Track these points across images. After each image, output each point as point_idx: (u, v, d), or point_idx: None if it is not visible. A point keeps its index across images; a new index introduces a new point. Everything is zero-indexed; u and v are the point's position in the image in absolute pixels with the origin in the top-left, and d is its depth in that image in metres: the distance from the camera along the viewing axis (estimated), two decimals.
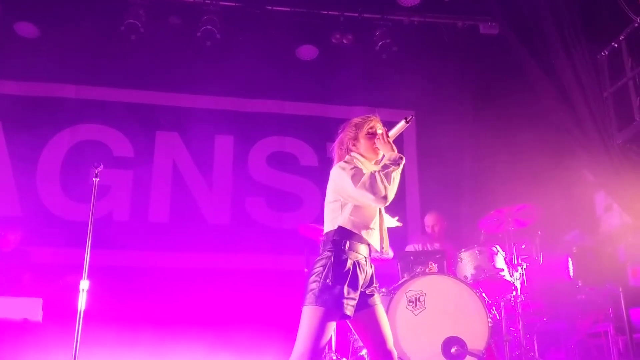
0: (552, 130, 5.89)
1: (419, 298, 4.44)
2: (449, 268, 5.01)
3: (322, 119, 7.04)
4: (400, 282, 4.63)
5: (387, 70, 6.93)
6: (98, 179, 4.09)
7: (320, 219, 6.38)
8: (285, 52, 6.97)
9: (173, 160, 6.73)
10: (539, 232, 5.11)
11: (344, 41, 6.79)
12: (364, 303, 2.85)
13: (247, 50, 6.77)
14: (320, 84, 7.05)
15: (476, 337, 4.34)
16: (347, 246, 2.84)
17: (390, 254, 3.00)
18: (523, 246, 4.98)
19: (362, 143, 3.06)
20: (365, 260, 2.89)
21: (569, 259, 5.51)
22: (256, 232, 6.60)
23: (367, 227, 2.89)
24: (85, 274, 3.88)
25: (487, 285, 4.85)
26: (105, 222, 6.16)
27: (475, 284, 4.73)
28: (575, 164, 5.65)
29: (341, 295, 2.73)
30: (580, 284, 5.34)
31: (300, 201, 6.81)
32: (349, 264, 2.80)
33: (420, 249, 5.66)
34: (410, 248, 5.76)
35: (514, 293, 4.76)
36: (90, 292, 3.89)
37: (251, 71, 6.78)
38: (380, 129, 3.08)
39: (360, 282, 2.82)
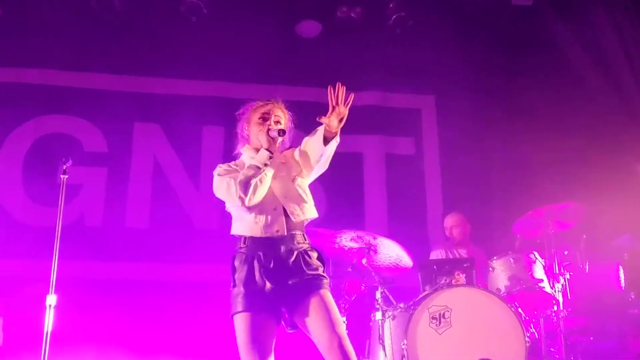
0: (597, 117, 5.80)
1: (443, 314, 4.41)
2: (479, 279, 4.99)
3: (326, 106, 6.91)
4: (421, 296, 4.61)
5: (402, 49, 6.87)
6: (66, 176, 4.05)
7: (326, 221, 6.31)
8: (283, 29, 6.90)
9: (154, 156, 6.70)
10: (584, 236, 5.09)
11: (352, 15, 6.74)
12: (290, 295, 2.99)
13: (239, 27, 6.70)
14: (323, 65, 6.94)
15: (511, 359, 4.29)
16: (239, 247, 3.12)
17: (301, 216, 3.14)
18: (565, 252, 4.99)
19: (252, 130, 3.26)
20: (267, 253, 3.04)
21: (620, 268, 5.46)
22: None
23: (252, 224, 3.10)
24: (52, 288, 3.87)
25: (524, 298, 4.82)
26: (75, 228, 6.13)
27: (510, 298, 4.72)
28: (626, 155, 5.57)
29: (236, 295, 3.01)
30: (633, 297, 5.31)
31: None
32: (237, 262, 3.08)
33: (445, 256, 5.64)
34: (432, 256, 5.77)
35: (555, 307, 4.76)
36: (58, 308, 3.86)
37: (243, 51, 6.71)
38: (276, 118, 3.26)
39: (257, 275, 3.00)
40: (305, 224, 3.19)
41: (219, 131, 6.84)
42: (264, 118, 3.24)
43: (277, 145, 3.21)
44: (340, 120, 3.16)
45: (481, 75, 7.04)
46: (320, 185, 6.63)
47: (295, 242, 3.07)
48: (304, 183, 3.24)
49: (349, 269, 4.93)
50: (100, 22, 6.50)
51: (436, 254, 5.77)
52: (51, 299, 3.82)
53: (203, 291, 6.11)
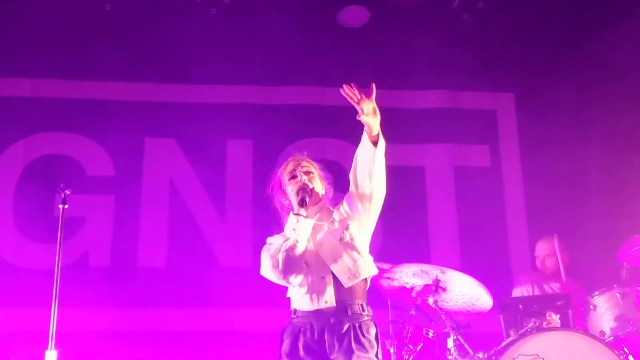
0: None
1: None
2: (577, 320, 4.96)
3: (381, 110, 7.00)
4: (505, 344, 4.59)
5: (471, 37, 6.93)
6: (66, 207, 4.15)
7: (382, 254, 6.34)
8: (323, 18, 7.03)
9: (170, 178, 6.86)
10: None
11: None
12: None
13: (268, 18, 6.84)
14: (373, 61, 7.05)
15: None
16: (290, 318, 3.51)
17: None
18: None
19: (289, 195, 3.64)
20: (315, 326, 3.37)
21: None
22: None
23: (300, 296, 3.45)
24: (51, 343, 3.94)
25: (636, 343, 4.76)
26: (78, 269, 6.27)
27: (617, 343, 4.68)
28: None
29: None
30: None
31: None
32: (285, 335, 3.46)
33: (533, 292, 5.62)
34: (517, 292, 5.74)
35: None
36: None
37: (275, 48, 6.86)
38: (304, 168, 3.69)
39: (300, 350, 3.36)
40: (366, 287, 3.46)
41: (246, 145, 6.99)
42: (293, 176, 3.62)
43: (318, 203, 3.60)
44: (375, 114, 3.45)
45: (571, 66, 7.01)
46: None
47: (348, 314, 3.33)
48: (357, 236, 3.49)
49: (413, 312, 4.92)
50: (100, 20, 6.73)
51: (521, 290, 5.74)
52: (51, 356, 3.90)
53: (231, 341, 6.26)
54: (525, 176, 7.01)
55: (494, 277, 5.51)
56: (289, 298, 3.53)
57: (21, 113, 6.76)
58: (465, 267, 5.32)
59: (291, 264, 3.35)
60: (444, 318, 4.76)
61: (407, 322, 4.92)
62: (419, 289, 4.88)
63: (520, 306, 4.90)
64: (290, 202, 3.62)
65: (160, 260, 6.64)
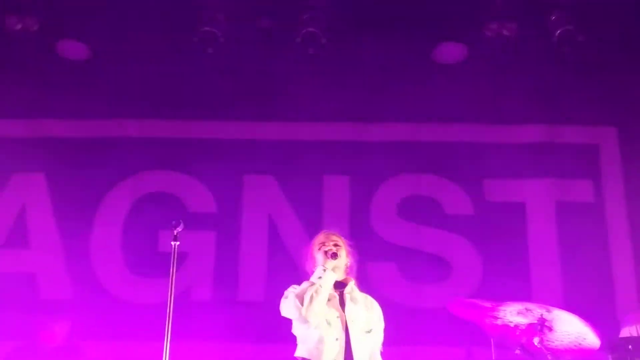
0: None
1: None
2: None
3: (475, 145, 7.04)
4: None
5: (572, 71, 6.85)
6: (178, 243, 4.27)
7: (483, 291, 6.25)
8: (419, 55, 7.05)
9: (268, 214, 6.98)
10: None
11: (504, 32, 6.73)
12: None
13: (364, 57, 6.95)
14: (470, 96, 7.04)
15: None
16: None
17: None
18: None
19: (317, 259, 4.16)
20: None
21: None
22: (386, 312, 6.56)
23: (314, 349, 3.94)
24: None
25: None
26: (181, 303, 6.31)
27: None
28: None
29: None
30: None
31: (448, 267, 6.79)
32: None
33: None
34: (625, 332, 5.57)
35: None
36: None
37: (371, 85, 6.96)
38: (333, 241, 4.18)
39: None
40: None
41: (343, 181, 7.05)
42: (322, 244, 4.16)
43: (344, 272, 4.14)
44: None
45: None
46: (473, 246, 6.63)
47: None
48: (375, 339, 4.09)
49: (517, 351, 4.81)
50: (202, 61, 6.93)
51: (629, 330, 5.55)
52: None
53: None
54: (630, 212, 6.82)
55: (601, 316, 5.35)
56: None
57: (128, 153, 7.03)
58: (569, 306, 5.17)
59: (316, 305, 3.86)
60: (549, 358, 4.65)
61: None
62: (523, 327, 4.77)
63: (630, 346, 4.78)
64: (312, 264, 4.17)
65: (259, 294, 6.72)
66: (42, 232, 6.86)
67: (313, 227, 6.74)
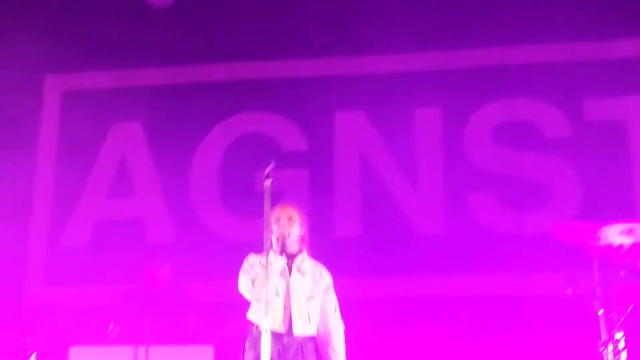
0: None
1: None
2: None
3: (571, 64, 6.79)
4: None
5: None
6: (270, 180, 4.31)
7: (582, 211, 6.14)
8: None
9: (360, 150, 7.01)
10: None
11: None
12: None
13: None
14: (563, 13, 6.75)
15: None
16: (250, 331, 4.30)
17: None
18: None
19: (274, 232, 4.41)
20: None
21: None
22: (485, 241, 6.63)
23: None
24: (266, 309, 3.99)
25: None
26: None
27: None
28: None
29: None
30: None
31: (549, 191, 6.68)
32: (247, 345, 4.28)
33: None
34: None
35: None
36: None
37: (456, 11, 6.88)
38: (283, 218, 4.49)
39: None
40: None
41: (434, 113, 7.00)
42: (278, 220, 4.39)
43: (296, 244, 4.38)
44: None
45: None
46: (573, 168, 6.49)
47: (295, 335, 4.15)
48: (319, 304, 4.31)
49: (622, 273, 4.72)
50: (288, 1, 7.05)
51: None
52: (266, 323, 3.98)
53: (427, 310, 6.43)
54: None
55: None
56: None
57: (219, 96, 7.20)
58: None
59: (259, 291, 4.08)
60: None
61: (615, 284, 4.72)
62: (627, 247, 4.65)
63: None
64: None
65: (355, 229, 6.83)
66: (144, 179, 7.16)
67: (406, 161, 6.93)
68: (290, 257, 4.39)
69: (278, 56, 7.22)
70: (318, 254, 6.47)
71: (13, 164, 6.99)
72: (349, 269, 6.45)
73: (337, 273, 6.44)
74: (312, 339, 4.22)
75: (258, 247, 4.26)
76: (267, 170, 4.30)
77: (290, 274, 4.32)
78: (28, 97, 7.34)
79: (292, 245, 4.39)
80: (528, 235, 6.47)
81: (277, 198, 6.60)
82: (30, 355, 5.66)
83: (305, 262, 4.41)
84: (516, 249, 6.41)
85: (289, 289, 4.26)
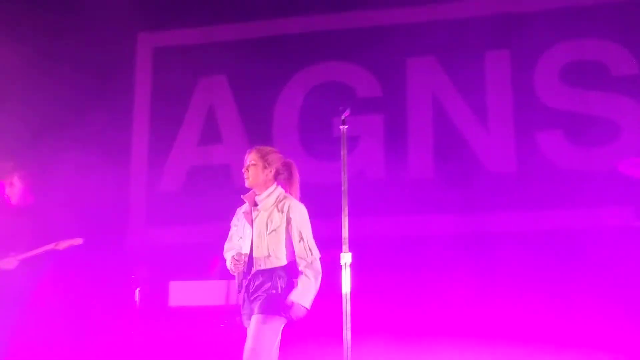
0: None
1: None
2: None
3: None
4: None
5: None
6: (346, 127, 4.54)
7: None
8: None
9: (432, 94, 7.18)
10: None
11: None
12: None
13: None
14: None
15: None
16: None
17: None
18: None
19: None
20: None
21: None
22: (555, 178, 6.74)
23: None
24: (345, 246, 4.37)
25: None
26: (357, 183, 6.66)
27: None
28: None
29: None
30: None
31: (616, 128, 6.71)
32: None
33: None
34: None
35: None
36: (354, 267, 4.34)
37: None
38: (245, 169, 4.50)
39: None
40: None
41: (504, 55, 7.08)
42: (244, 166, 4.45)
43: (262, 187, 4.38)
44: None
45: None
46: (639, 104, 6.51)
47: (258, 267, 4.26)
48: (282, 237, 4.29)
49: None
50: None
51: None
52: (346, 257, 4.29)
53: (500, 243, 6.59)
54: None
55: None
56: None
57: (296, 49, 7.51)
58: None
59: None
60: None
61: None
62: None
63: None
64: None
65: (429, 170, 7.05)
66: (230, 127, 7.57)
67: (476, 102, 7.05)
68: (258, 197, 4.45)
69: (350, 7, 7.41)
70: (393, 194, 6.89)
71: (112, 115, 7.51)
72: (424, 207, 6.88)
73: (412, 211, 6.87)
74: (282, 268, 4.23)
75: (337, 188, 4.57)
76: (343, 116, 4.52)
77: (252, 212, 4.38)
78: (123, 53, 7.85)
79: (258, 187, 4.41)
80: (596, 170, 6.53)
81: (354, 142, 7.07)
82: (135, 289, 6.23)
83: (269, 198, 4.38)
84: (585, 184, 6.52)
85: (252, 226, 4.36)
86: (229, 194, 6.88)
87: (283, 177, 4.47)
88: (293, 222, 4.30)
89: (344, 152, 4.51)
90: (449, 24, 7.19)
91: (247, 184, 4.41)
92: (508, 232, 6.69)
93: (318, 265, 4.24)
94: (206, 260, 6.48)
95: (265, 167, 4.39)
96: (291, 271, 4.23)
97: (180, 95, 7.72)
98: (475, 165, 6.97)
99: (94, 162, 7.04)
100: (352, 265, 4.32)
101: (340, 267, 4.33)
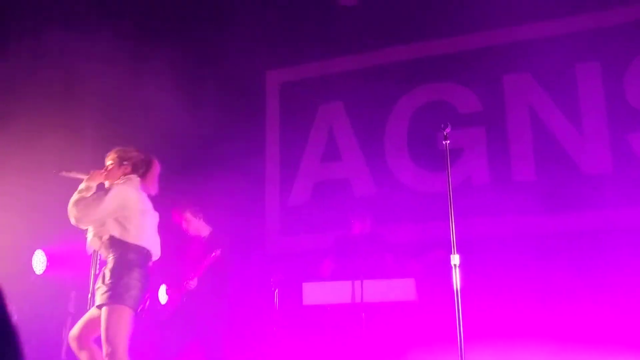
0: None
1: None
2: None
3: None
4: None
5: None
6: (448, 141, 4.86)
7: None
8: None
9: (529, 106, 7.55)
10: None
11: None
12: None
13: None
14: None
15: None
16: None
17: None
18: None
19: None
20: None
21: None
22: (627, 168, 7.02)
23: None
24: (454, 248, 4.53)
25: None
26: (463, 189, 7.28)
27: None
28: None
29: None
30: None
31: None
32: None
33: None
34: None
35: None
36: (463, 267, 4.52)
37: None
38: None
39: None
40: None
41: (594, 67, 7.39)
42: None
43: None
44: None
45: None
46: None
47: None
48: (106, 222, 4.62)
49: None
50: None
51: None
52: (455, 259, 4.50)
53: (595, 240, 6.85)
54: None
55: None
56: None
57: (403, 73, 8.09)
58: None
59: None
60: None
61: None
62: None
63: None
64: None
65: (530, 174, 7.36)
66: (348, 146, 8.19)
67: (571, 111, 7.35)
68: None
69: (448, 34, 7.93)
70: (498, 198, 7.26)
71: (249, 143, 8.28)
72: (526, 207, 7.19)
73: (516, 212, 7.18)
74: (126, 247, 4.51)
75: (443, 195, 4.80)
76: (445, 132, 4.80)
77: None
78: (255, 90, 8.66)
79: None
80: None
81: (458, 153, 7.56)
82: (274, 290, 6.67)
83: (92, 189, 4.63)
84: None
85: None
86: (349, 204, 7.67)
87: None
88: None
89: (447, 162, 4.79)
90: (540, 42, 7.53)
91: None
92: (605, 229, 6.90)
93: None
94: (318, 263, 6.91)
95: (119, 166, 4.78)
96: None
97: (304, 121, 8.39)
98: (572, 168, 7.22)
99: (234, 184, 7.60)
100: (461, 266, 4.51)
101: (450, 267, 4.51)
